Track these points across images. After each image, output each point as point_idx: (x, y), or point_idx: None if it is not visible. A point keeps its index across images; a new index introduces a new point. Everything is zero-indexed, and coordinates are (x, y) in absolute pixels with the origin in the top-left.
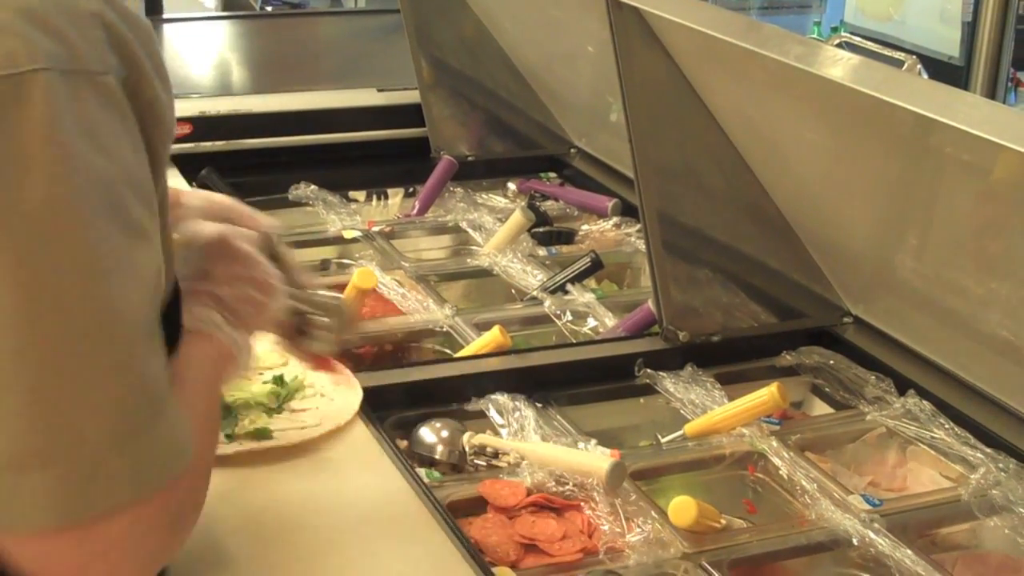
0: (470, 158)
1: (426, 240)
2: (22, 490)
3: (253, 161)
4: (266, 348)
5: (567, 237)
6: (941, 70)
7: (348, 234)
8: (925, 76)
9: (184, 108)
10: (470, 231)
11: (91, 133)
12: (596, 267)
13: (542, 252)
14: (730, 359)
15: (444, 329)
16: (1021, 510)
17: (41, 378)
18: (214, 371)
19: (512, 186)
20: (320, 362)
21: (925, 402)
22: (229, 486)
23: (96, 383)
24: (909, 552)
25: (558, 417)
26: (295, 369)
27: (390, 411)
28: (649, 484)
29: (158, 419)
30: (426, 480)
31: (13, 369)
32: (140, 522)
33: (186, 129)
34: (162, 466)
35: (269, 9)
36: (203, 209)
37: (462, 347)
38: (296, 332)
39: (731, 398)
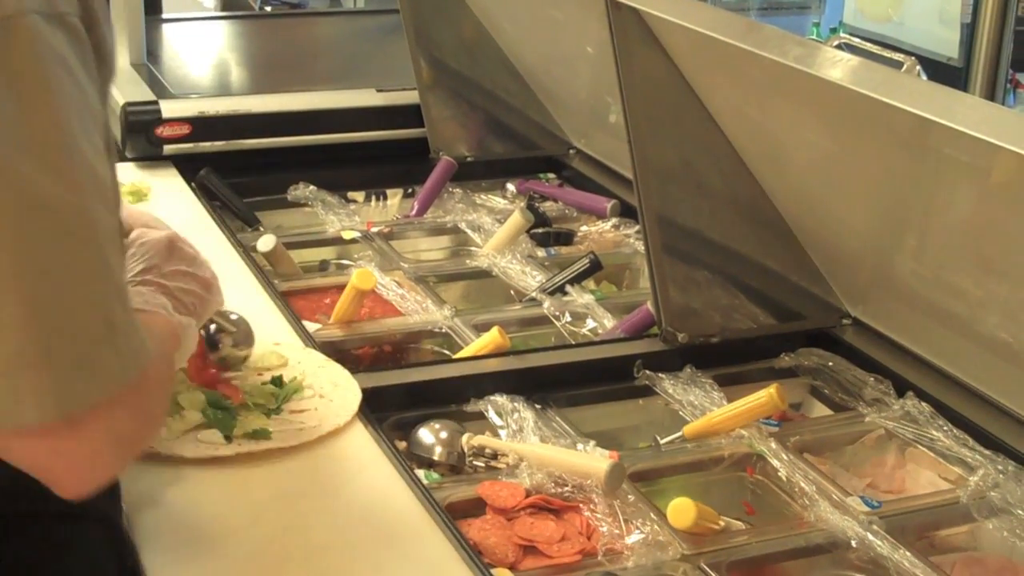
0: (469, 159)
1: (425, 241)
2: (22, 390)
3: (252, 161)
4: (266, 349)
5: (566, 238)
6: (940, 71)
7: (347, 235)
8: (924, 77)
9: (183, 108)
10: (469, 232)
11: (65, 66)
12: (595, 268)
13: (541, 253)
14: (729, 360)
15: (443, 330)
16: (1019, 512)
17: (36, 288)
18: (159, 338)
19: (511, 187)
20: (213, 378)
21: (924, 404)
22: (227, 487)
23: (83, 286)
24: (908, 554)
25: (557, 418)
26: (294, 370)
27: (389, 412)
28: (648, 486)
29: (131, 314)
30: (425, 481)
31: (13, 283)
32: (124, 409)
33: (185, 129)
34: (137, 355)
35: (268, 9)
36: (145, 218)
37: (461, 348)
38: (207, 343)
39: (730, 400)
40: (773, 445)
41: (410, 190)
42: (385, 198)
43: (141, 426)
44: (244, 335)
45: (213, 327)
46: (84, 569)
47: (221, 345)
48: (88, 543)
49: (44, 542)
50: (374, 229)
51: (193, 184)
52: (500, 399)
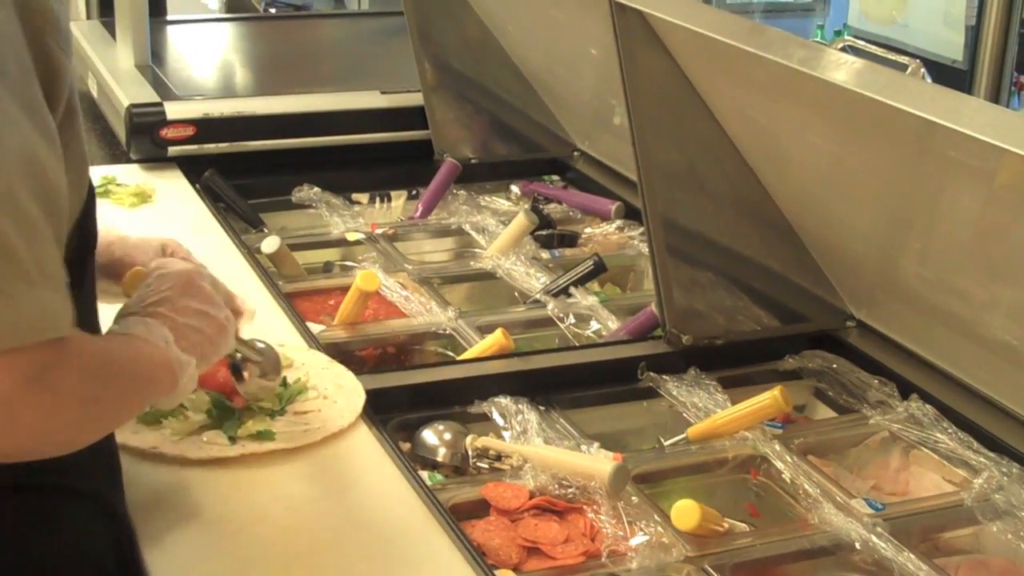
0: (473, 161)
1: (429, 243)
2: None
3: (256, 163)
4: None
5: (570, 240)
6: (945, 74)
7: (351, 236)
8: (929, 80)
9: (187, 110)
10: (473, 234)
11: None
12: (599, 270)
13: (545, 255)
14: (733, 362)
15: (447, 332)
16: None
17: None
18: (148, 365)
19: (515, 189)
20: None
21: (928, 406)
22: (232, 488)
23: None
24: (912, 556)
25: (561, 420)
26: (298, 371)
27: (393, 414)
28: (652, 487)
29: (26, 288)
30: (429, 483)
31: None
32: (6, 371)
33: (189, 131)
34: (22, 326)
35: (272, 11)
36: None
37: (465, 350)
38: (232, 373)
39: (734, 402)
40: (777, 447)
41: (414, 192)
42: (389, 200)
43: (34, 400)
44: (272, 364)
45: (239, 356)
46: (72, 543)
47: (248, 375)
48: (76, 518)
49: (24, 513)
50: (378, 231)
51: (197, 186)
52: (504, 401)
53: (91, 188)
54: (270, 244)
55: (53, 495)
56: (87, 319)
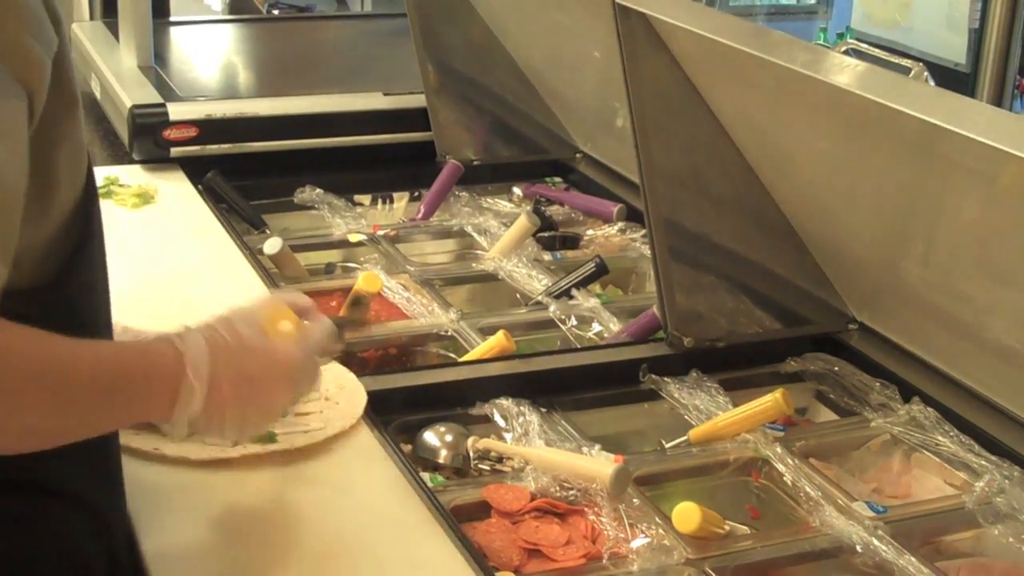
0: (475, 162)
1: (431, 244)
2: None
3: (259, 164)
4: None
5: (572, 242)
6: (948, 77)
7: (353, 238)
8: (932, 83)
9: (190, 111)
10: (475, 235)
11: None
12: (601, 272)
13: (547, 257)
14: (735, 365)
15: (449, 333)
16: None
17: None
18: (145, 385)
19: (517, 191)
20: None
21: (930, 409)
22: (233, 490)
23: None
24: (913, 559)
25: (562, 422)
26: None
27: (394, 415)
28: (653, 490)
29: None
30: (430, 484)
31: None
32: None
33: (192, 132)
34: None
35: (275, 12)
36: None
37: (466, 351)
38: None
39: (735, 404)
40: (778, 450)
41: (416, 193)
42: (391, 201)
43: None
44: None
45: None
46: (53, 545)
47: None
48: (60, 520)
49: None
50: (380, 232)
51: (200, 187)
52: (505, 402)
53: (91, 176)
54: (272, 245)
55: (36, 495)
56: (82, 313)
